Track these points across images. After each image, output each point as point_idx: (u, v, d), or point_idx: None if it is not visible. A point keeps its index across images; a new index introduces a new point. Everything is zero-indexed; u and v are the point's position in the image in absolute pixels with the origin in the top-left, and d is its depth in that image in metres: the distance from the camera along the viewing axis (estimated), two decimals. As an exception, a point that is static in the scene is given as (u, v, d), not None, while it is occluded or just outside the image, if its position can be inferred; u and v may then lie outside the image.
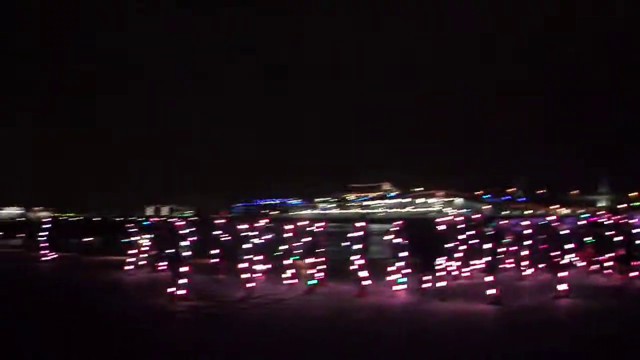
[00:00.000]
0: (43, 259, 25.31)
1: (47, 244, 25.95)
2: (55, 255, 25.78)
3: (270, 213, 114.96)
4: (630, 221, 19.43)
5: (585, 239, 19.29)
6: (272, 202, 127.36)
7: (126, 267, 21.01)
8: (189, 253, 16.18)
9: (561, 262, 15.40)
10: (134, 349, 9.95)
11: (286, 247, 17.84)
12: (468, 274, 18.07)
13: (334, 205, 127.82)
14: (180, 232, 16.05)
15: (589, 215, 29.19)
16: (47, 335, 11.01)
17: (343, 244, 16.81)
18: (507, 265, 18.82)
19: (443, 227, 16.46)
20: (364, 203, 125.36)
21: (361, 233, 16.30)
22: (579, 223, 21.16)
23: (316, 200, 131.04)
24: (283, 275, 17.47)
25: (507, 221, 21.88)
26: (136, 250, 21.48)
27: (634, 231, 18.56)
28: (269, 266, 17.88)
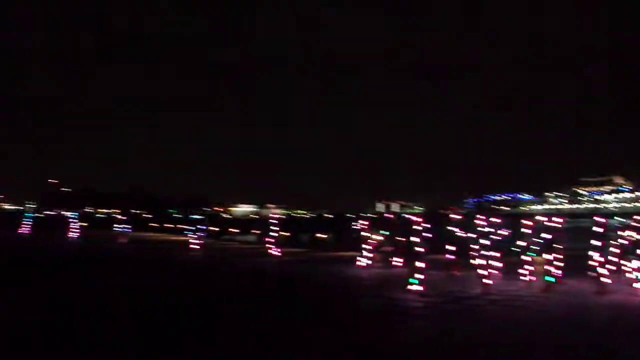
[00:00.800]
0: (272, 253, 25.88)
1: (276, 240, 26.61)
2: (285, 251, 26.42)
3: (502, 208, 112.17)
4: None
5: None
6: (503, 197, 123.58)
7: (360, 263, 21.42)
8: (425, 249, 16.83)
9: None
10: (372, 343, 9.69)
11: (523, 243, 17.62)
12: None
13: (565, 199, 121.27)
14: (415, 227, 16.71)
15: None
16: (280, 332, 10.55)
17: (579, 239, 16.59)
18: None
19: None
20: (596, 197, 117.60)
21: (599, 229, 16.03)
22: None
23: (546, 194, 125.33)
24: (520, 272, 17.25)
25: None
26: (369, 246, 21.92)
27: None
28: (505, 263, 17.66)
